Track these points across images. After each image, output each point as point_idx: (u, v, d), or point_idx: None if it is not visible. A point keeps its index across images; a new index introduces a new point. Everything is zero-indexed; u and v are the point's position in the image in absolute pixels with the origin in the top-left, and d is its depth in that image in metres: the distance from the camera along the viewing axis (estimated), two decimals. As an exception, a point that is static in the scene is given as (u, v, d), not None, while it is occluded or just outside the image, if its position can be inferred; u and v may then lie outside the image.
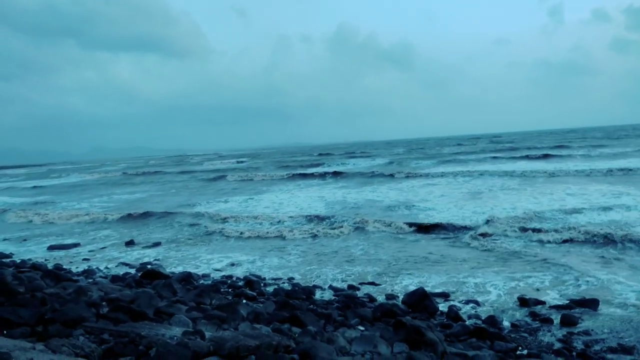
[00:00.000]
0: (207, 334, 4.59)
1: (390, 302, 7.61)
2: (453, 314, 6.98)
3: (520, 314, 7.06)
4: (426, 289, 7.79)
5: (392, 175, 29.53)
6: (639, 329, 6.14)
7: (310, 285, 8.91)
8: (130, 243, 13.84)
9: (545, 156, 37.39)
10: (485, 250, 10.74)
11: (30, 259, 11.77)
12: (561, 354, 5.53)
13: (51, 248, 13.72)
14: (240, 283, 9.17)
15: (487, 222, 13.03)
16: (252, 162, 65.42)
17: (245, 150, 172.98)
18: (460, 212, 15.53)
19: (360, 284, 8.92)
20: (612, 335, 6.06)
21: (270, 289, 8.75)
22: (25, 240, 15.56)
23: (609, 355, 5.50)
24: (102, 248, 13.56)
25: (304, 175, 34.83)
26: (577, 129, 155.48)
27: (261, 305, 7.14)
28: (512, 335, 6.25)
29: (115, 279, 9.26)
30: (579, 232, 11.18)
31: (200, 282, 9.37)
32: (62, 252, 13.11)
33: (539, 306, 7.26)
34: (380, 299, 8.02)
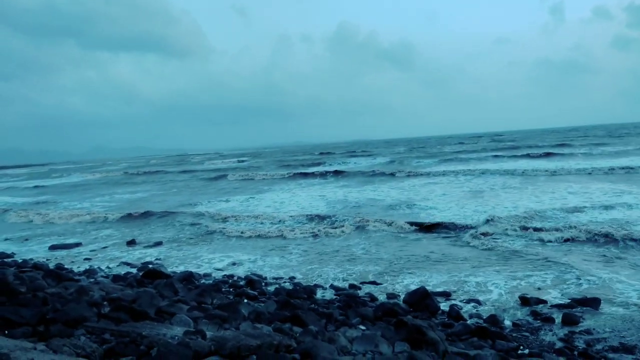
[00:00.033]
0: (209, 334, 4.59)
1: (392, 301, 7.60)
2: (454, 313, 6.98)
3: (521, 313, 7.05)
4: (427, 288, 7.78)
5: (393, 174, 29.52)
6: (640, 328, 6.13)
7: (312, 284, 8.91)
8: (131, 242, 13.85)
9: (547, 155, 37.35)
10: (486, 249, 10.73)
11: (31, 259, 11.79)
12: (563, 353, 5.52)
13: (53, 248, 13.74)
14: (242, 282, 9.17)
15: (489, 221, 13.02)
16: (253, 161, 65.43)
17: (246, 150, 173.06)
18: (462, 211, 15.52)
19: (362, 283, 8.91)
20: (614, 335, 6.05)
21: (271, 288, 8.75)
22: (26, 240, 15.59)
23: (611, 355, 5.48)
24: (104, 248, 13.58)
25: (305, 175, 34.84)
26: (578, 127, 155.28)
27: (262, 304, 7.14)
28: (514, 335, 6.24)
29: (116, 278, 9.26)
30: (581, 231, 11.16)
31: (202, 281, 9.38)
32: (63, 252, 13.13)
33: (541, 305, 7.25)
34: (382, 298, 8.02)
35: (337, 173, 33.53)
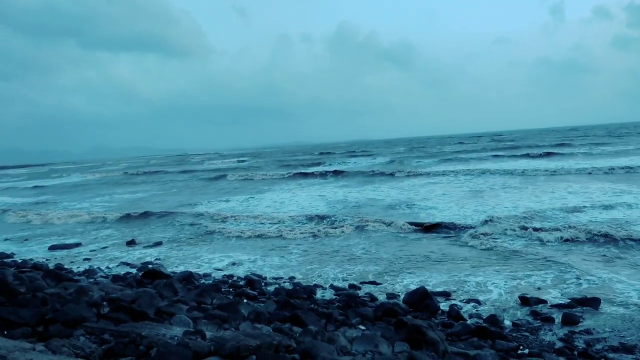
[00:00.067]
0: (208, 334, 4.58)
1: (392, 301, 7.59)
2: (454, 313, 6.97)
3: (521, 313, 7.04)
4: (427, 288, 7.78)
5: (393, 174, 29.53)
6: (640, 328, 6.13)
7: (311, 284, 8.91)
8: (131, 243, 13.85)
9: (547, 154, 37.36)
10: (486, 249, 10.72)
11: (31, 259, 11.78)
12: (563, 353, 5.51)
13: (52, 248, 13.73)
14: (241, 282, 9.16)
15: (488, 221, 13.01)
16: (252, 161, 65.43)
17: (246, 150, 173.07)
18: (462, 210, 15.52)
19: (362, 283, 8.91)
20: (614, 334, 6.04)
21: (271, 288, 8.75)
22: (26, 240, 15.58)
23: (611, 354, 5.48)
24: (104, 248, 13.57)
25: (305, 175, 34.84)
26: (578, 127, 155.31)
27: (262, 304, 7.14)
28: (514, 335, 6.24)
29: (116, 278, 9.26)
30: (581, 230, 11.16)
31: (201, 281, 9.37)
32: (63, 252, 13.12)
33: (540, 305, 7.24)
34: (382, 298, 8.02)
35: (337, 173, 33.54)
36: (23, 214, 21.49)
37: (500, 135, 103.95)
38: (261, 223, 15.66)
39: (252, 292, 8.26)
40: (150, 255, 12.25)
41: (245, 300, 7.35)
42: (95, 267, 10.94)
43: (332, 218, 15.27)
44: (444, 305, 7.47)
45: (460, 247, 11.24)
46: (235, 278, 9.64)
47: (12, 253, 12.94)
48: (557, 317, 6.73)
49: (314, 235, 13.41)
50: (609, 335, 6.02)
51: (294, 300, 7.27)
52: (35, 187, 43.30)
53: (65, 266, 11.02)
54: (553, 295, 7.62)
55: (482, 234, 11.80)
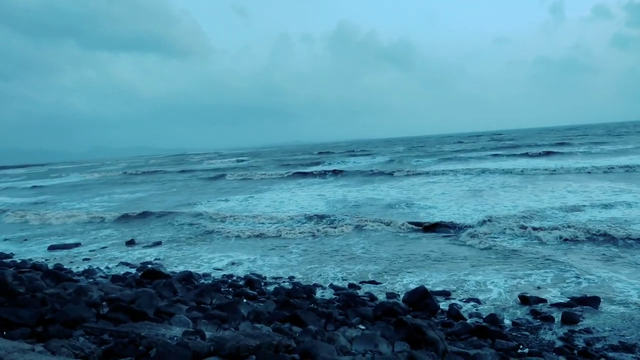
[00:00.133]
0: (208, 334, 4.58)
1: (391, 300, 7.59)
2: (454, 313, 6.97)
3: (521, 312, 7.04)
4: (427, 287, 7.77)
5: (392, 174, 29.53)
6: (640, 327, 6.13)
7: (311, 284, 8.90)
8: (130, 243, 13.84)
9: (546, 153, 37.40)
10: (485, 248, 10.72)
11: (30, 259, 11.77)
12: (562, 352, 5.51)
13: (52, 248, 13.72)
14: (241, 282, 9.16)
15: (488, 220, 13.01)
16: (252, 160, 65.41)
17: (246, 149, 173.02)
18: (461, 210, 15.52)
19: (361, 282, 8.91)
20: (614, 333, 6.04)
21: (270, 288, 8.74)
22: (25, 240, 15.57)
23: (611, 353, 5.48)
24: (103, 248, 13.56)
25: (304, 174, 34.84)
26: (578, 126, 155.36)
27: (262, 304, 7.13)
28: (513, 334, 6.24)
29: (115, 278, 9.24)
30: (580, 230, 11.16)
31: (201, 281, 9.36)
32: (62, 252, 13.11)
33: (540, 304, 7.24)
34: (381, 297, 8.01)
35: (336, 172, 33.55)
36: (22, 214, 21.47)
37: (500, 134, 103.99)
38: (260, 223, 15.65)
39: (251, 291, 8.26)
40: (149, 255, 12.24)
41: (244, 300, 7.34)
42: (94, 267, 10.93)
43: (332, 217, 15.27)
44: (443, 305, 7.47)
45: (459, 246, 11.24)
46: (234, 278, 9.63)
47: (11, 253, 12.92)
48: (557, 316, 6.73)
49: (314, 235, 13.40)
50: (609, 334, 6.03)
51: (294, 300, 7.26)
52: (34, 187, 43.25)
53: (65, 266, 11.01)
54: (553, 295, 7.62)
55: (482, 233, 11.81)
